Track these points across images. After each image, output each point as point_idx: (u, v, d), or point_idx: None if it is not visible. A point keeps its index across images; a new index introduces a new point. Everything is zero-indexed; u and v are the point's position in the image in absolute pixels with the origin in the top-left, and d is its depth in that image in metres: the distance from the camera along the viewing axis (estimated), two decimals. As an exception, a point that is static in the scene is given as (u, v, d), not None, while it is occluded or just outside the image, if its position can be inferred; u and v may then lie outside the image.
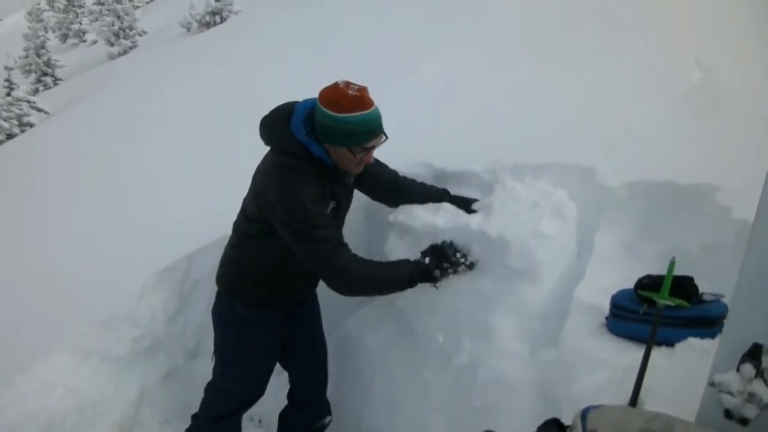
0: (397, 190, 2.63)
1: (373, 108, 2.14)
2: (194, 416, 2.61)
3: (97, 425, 2.63)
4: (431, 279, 2.34)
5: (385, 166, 2.62)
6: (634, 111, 2.99)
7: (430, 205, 2.59)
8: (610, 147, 2.74)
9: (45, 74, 17.66)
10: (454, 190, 2.71)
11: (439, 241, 2.45)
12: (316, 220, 2.15)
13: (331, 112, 2.10)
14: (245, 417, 2.69)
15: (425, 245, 2.46)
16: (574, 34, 3.96)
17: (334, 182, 2.28)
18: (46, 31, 20.84)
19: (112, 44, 17.04)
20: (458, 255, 2.38)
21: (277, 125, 2.22)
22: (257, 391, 2.59)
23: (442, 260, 2.34)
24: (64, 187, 5.11)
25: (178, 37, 13.91)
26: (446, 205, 2.57)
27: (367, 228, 3.20)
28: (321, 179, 2.21)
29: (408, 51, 4.93)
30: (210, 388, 2.59)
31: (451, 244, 2.43)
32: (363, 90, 2.14)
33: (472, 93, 3.79)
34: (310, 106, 2.20)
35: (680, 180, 2.42)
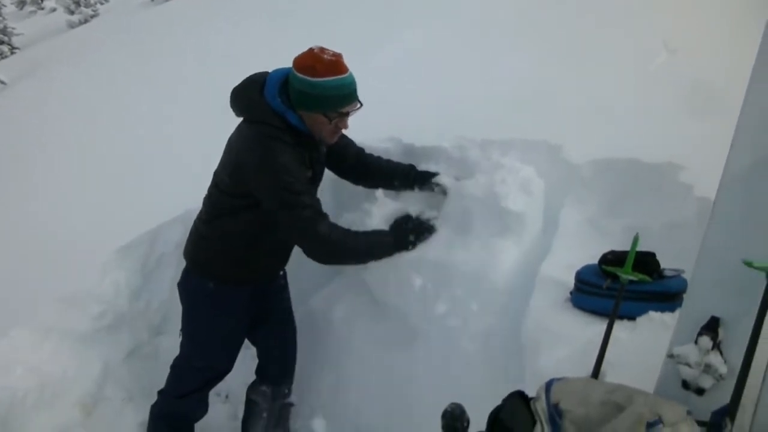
0: (363, 165, 2.62)
1: (348, 73, 2.14)
2: (160, 392, 2.58)
3: (60, 403, 2.59)
4: (407, 244, 2.39)
5: (352, 141, 2.60)
6: (602, 89, 3.01)
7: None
8: (578, 124, 2.76)
9: (1, 42, 16.99)
10: (422, 167, 2.71)
11: (401, 214, 2.51)
12: (298, 188, 2.15)
13: (306, 77, 2.09)
14: (212, 393, 2.67)
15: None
16: (544, 14, 3.97)
17: (310, 151, 2.27)
18: (2, -2, 20.01)
19: (72, 12, 16.47)
20: (425, 219, 2.45)
21: (251, 95, 2.18)
22: (225, 367, 2.58)
23: (414, 228, 2.40)
24: (22, 160, 4.96)
25: (141, 6, 13.50)
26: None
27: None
28: (298, 148, 2.19)
29: (376, 26, 4.89)
30: (177, 364, 2.57)
31: (417, 217, 2.49)
32: (338, 55, 2.13)
33: (439, 69, 3.78)
34: (283, 75, 2.17)
35: (644, 158, 2.46)
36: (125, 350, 2.91)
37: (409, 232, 2.40)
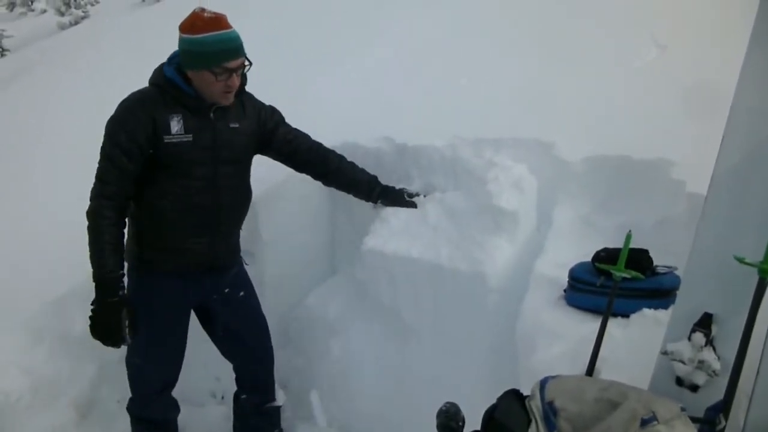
0: (321, 163, 2.54)
1: (231, 29, 2.13)
2: (130, 399, 2.49)
3: (54, 405, 2.57)
4: (104, 291, 2.17)
5: (305, 135, 2.51)
6: (593, 86, 3.02)
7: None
8: (569, 121, 2.77)
9: (-9, 44, 16.88)
10: (415, 165, 2.72)
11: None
12: (114, 138, 2.13)
13: (187, 35, 2.09)
14: (207, 393, 2.66)
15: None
16: (534, 12, 3.98)
17: (195, 114, 2.18)
18: (-8, -1, 19.92)
19: (62, 14, 16.34)
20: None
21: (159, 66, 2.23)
22: (165, 365, 2.43)
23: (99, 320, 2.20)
24: (14, 162, 4.93)
25: (132, 7, 13.45)
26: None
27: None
28: (170, 105, 2.15)
29: (366, 24, 4.88)
30: (126, 366, 2.46)
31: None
32: (219, 14, 2.13)
33: (431, 68, 3.78)
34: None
35: (636, 155, 2.47)
36: (119, 352, 2.86)
37: (98, 296, 2.18)
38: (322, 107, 2.73)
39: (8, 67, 11.66)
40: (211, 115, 2.20)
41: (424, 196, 2.64)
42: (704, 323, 1.45)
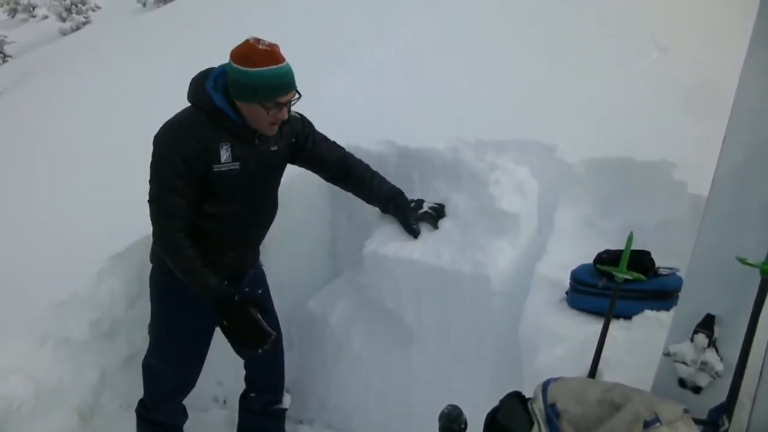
0: (344, 173, 2.56)
1: (283, 63, 2.12)
2: (140, 401, 2.54)
3: (56, 411, 2.57)
4: (224, 303, 2.21)
5: (334, 145, 2.54)
6: (594, 88, 3.02)
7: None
8: (571, 123, 2.77)
9: (-7, 51, 16.93)
10: (417, 168, 2.72)
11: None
12: (171, 167, 2.11)
13: (241, 68, 2.08)
14: (209, 398, 2.66)
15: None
16: (536, 13, 3.98)
17: (242, 142, 2.20)
18: (-7, 6, 19.99)
19: (63, 20, 16.41)
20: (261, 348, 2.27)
21: (197, 83, 2.20)
22: (185, 371, 2.47)
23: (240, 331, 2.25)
24: (16, 168, 4.94)
25: (133, 12, 13.50)
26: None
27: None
28: (219, 133, 2.15)
29: (366, 26, 4.89)
30: (142, 369, 2.49)
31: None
32: (273, 46, 2.11)
33: (432, 71, 3.78)
34: (225, 67, 2.18)
35: (637, 156, 2.46)
36: (122, 357, 2.89)
37: (222, 311, 2.22)
38: (324, 110, 2.73)
39: (10, 73, 11.71)
40: (256, 141, 2.23)
41: (439, 206, 2.59)
42: (707, 324, 1.45)
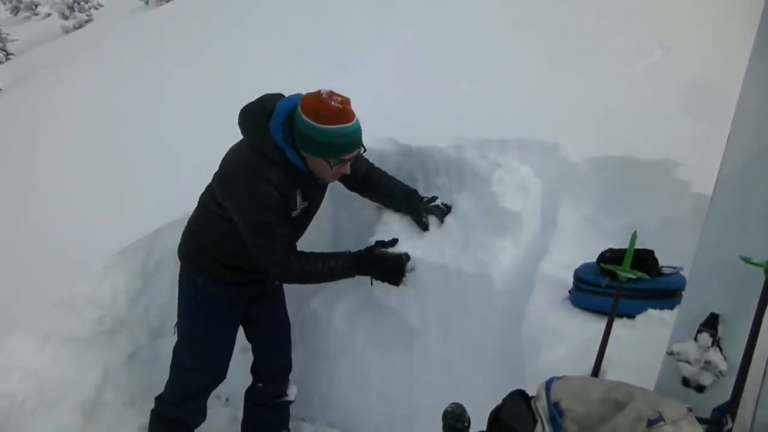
0: (367, 185, 2.62)
1: (353, 121, 2.12)
2: (158, 398, 2.58)
3: (59, 408, 2.58)
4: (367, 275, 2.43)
5: (362, 159, 2.56)
6: (598, 87, 3.02)
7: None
8: (574, 122, 2.76)
9: (-5, 49, 16.93)
10: (420, 166, 2.71)
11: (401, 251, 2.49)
12: (267, 230, 2.21)
13: (311, 122, 2.07)
14: (212, 395, 2.66)
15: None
16: (538, 12, 3.97)
17: (307, 185, 2.28)
18: (-4, 3, 20.01)
19: (66, 17, 16.43)
20: (406, 271, 2.43)
21: (257, 121, 2.17)
22: (215, 369, 2.56)
23: (387, 272, 2.42)
24: (19, 165, 4.95)
25: (135, 10, 13.49)
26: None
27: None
28: (293, 183, 2.21)
29: (368, 25, 4.89)
30: (171, 365, 2.57)
31: (408, 258, 2.46)
32: (345, 102, 2.10)
33: (433, 69, 3.78)
34: (290, 109, 2.15)
35: (641, 156, 2.46)
36: (125, 354, 2.90)
37: (371, 271, 2.42)
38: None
39: (13, 71, 11.72)
40: (319, 180, 2.33)
41: (446, 205, 2.60)
42: (710, 324, 1.45)
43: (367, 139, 2.79)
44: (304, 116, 2.08)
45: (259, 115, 2.17)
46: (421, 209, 2.56)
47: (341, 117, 2.08)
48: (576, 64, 3.27)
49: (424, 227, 2.54)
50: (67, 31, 15.97)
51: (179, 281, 2.54)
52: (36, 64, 11.07)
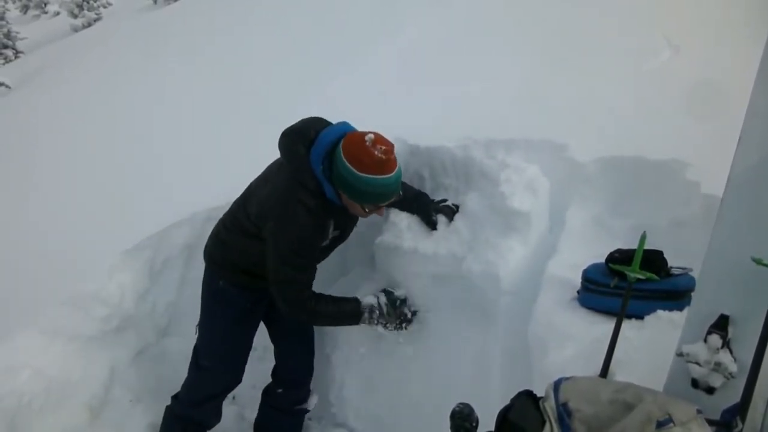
0: None
1: (394, 172, 2.11)
2: (174, 396, 2.59)
3: (66, 406, 2.59)
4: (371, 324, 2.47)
5: None
6: (606, 87, 3.00)
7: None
8: (582, 122, 2.75)
9: (5, 47, 17.05)
10: (427, 166, 2.71)
11: (400, 294, 2.55)
12: (298, 262, 2.22)
13: (352, 168, 2.06)
14: (220, 394, 2.67)
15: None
16: (546, 12, 3.96)
17: (341, 215, 2.28)
18: (6, 2, 20.15)
19: (75, 16, 16.55)
20: (403, 314, 2.51)
21: (298, 148, 2.16)
22: (232, 371, 2.57)
23: (385, 315, 2.47)
24: (27, 163, 4.97)
25: (144, 9, 13.55)
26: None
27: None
28: (327, 212, 2.20)
29: (375, 25, 4.89)
30: (190, 366, 2.57)
31: (404, 301, 2.54)
32: (389, 152, 2.08)
33: (441, 69, 3.77)
34: (333, 141, 2.13)
35: (650, 156, 2.45)
36: (132, 352, 2.91)
37: (376, 322, 2.46)
38: (334, 108, 2.72)
39: (23, 69, 11.79)
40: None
41: (455, 206, 2.59)
42: (720, 325, 1.44)
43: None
44: (346, 161, 2.06)
45: (301, 143, 2.15)
46: (430, 209, 2.56)
47: (383, 168, 2.07)
48: (581, 64, 3.26)
49: (433, 226, 2.54)
50: (75, 29, 16.08)
51: (203, 281, 2.54)
52: (44, 62, 11.14)
